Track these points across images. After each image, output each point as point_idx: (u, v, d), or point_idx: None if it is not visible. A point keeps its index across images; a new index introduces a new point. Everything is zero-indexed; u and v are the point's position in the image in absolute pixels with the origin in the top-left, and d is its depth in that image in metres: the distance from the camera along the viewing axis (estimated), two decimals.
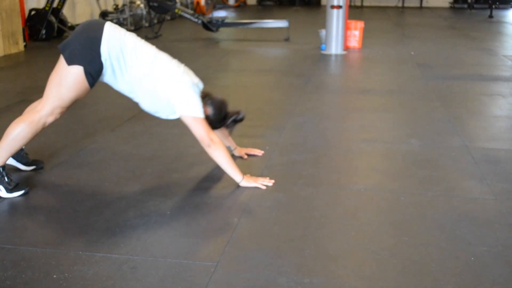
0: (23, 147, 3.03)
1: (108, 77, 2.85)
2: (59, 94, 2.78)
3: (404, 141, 3.75)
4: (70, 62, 2.75)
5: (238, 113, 3.13)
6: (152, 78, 2.84)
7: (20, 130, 2.78)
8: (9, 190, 2.79)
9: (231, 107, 3.12)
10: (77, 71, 2.75)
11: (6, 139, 2.79)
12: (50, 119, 2.81)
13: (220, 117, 3.04)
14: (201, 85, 3.04)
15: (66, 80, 2.77)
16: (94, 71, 2.77)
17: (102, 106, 4.64)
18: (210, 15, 11.68)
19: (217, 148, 2.89)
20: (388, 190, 2.94)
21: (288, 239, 2.38)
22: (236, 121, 3.13)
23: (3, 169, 2.81)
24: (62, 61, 2.79)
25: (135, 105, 3.04)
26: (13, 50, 7.46)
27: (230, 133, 3.23)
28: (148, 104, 2.95)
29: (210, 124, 2.98)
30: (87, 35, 2.80)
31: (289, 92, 5.25)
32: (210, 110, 3.00)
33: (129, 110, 4.28)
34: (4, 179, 2.79)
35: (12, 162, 3.08)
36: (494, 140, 3.79)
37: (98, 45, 2.75)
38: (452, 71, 6.29)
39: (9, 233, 2.48)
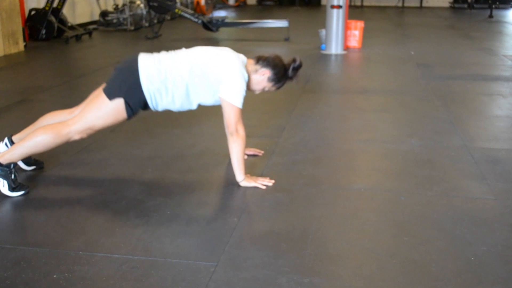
0: None
1: (162, 103, 2.88)
2: (95, 117, 2.82)
3: (404, 141, 3.75)
4: (111, 97, 2.81)
5: (294, 60, 3.04)
6: (199, 70, 2.85)
7: (45, 138, 2.80)
8: (11, 188, 2.79)
9: None
10: (118, 102, 2.81)
11: (30, 141, 2.81)
12: (77, 137, 2.85)
13: (281, 72, 2.99)
14: (245, 60, 3.01)
15: (105, 107, 2.82)
16: (134, 103, 2.83)
17: None
18: (210, 15, 11.68)
19: (238, 140, 2.88)
20: (388, 190, 2.94)
21: (288, 239, 2.38)
22: (295, 69, 3.03)
23: (14, 166, 2.82)
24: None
25: None
26: (13, 50, 7.46)
27: (297, 81, 3.10)
28: (208, 98, 2.93)
29: (277, 82, 3.00)
30: (124, 71, 2.86)
31: (289, 92, 5.24)
32: (269, 71, 2.98)
33: None
34: (11, 176, 2.80)
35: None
36: (494, 140, 3.79)
37: (137, 76, 2.80)
38: (452, 71, 6.29)
39: (9, 233, 2.48)
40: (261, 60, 3.00)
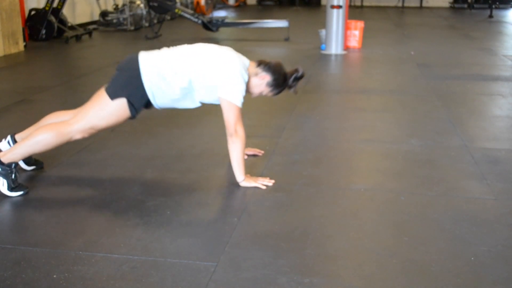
0: None
1: (163, 100, 2.88)
2: (98, 116, 2.82)
3: (404, 141, 3.75)
4: (113, 97, 2.80)
5: (297, 70, 3.07)
6: (199, 68, 2.85)
7: (46, 137, 2.80)
8: (11, 188, 2.79)
9: None
10: (120, 102, 2.81)
11: (31, 140, 2.81)
12: (79, 136, 2.84)
13: (281, 79, 3.01)
14: (247, 62, 3.01)
15: (108, 108, 2.82)
16: (137, 101, 2.83)
17: None
18: (210, 15, 11.68)
19: (237, 141, 2.88)
20: (388, 190, 2.94)
21: (288, 239, 2.38)
22: (297, 79, 3.06)
23: (15, 166, 2.82)
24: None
25: None
26: (13, 50, 7.45)
27: (295, 92, 3.13)
28: (208, 96, 2.93)
29: (275, 88, 3.01)
30: (125, 70, 2.86)
31: (289, 92, 5.24)
32: (269, 76, 2.99)
33: None
34: (12, 175, 2.80)
35: None
36: (494, 140, 3.79)
37: (138, 74, 2.80)
38: (452, 71, 6.29)
39: (9, 233, 2.48)
40: (262, 64, 3.00)
